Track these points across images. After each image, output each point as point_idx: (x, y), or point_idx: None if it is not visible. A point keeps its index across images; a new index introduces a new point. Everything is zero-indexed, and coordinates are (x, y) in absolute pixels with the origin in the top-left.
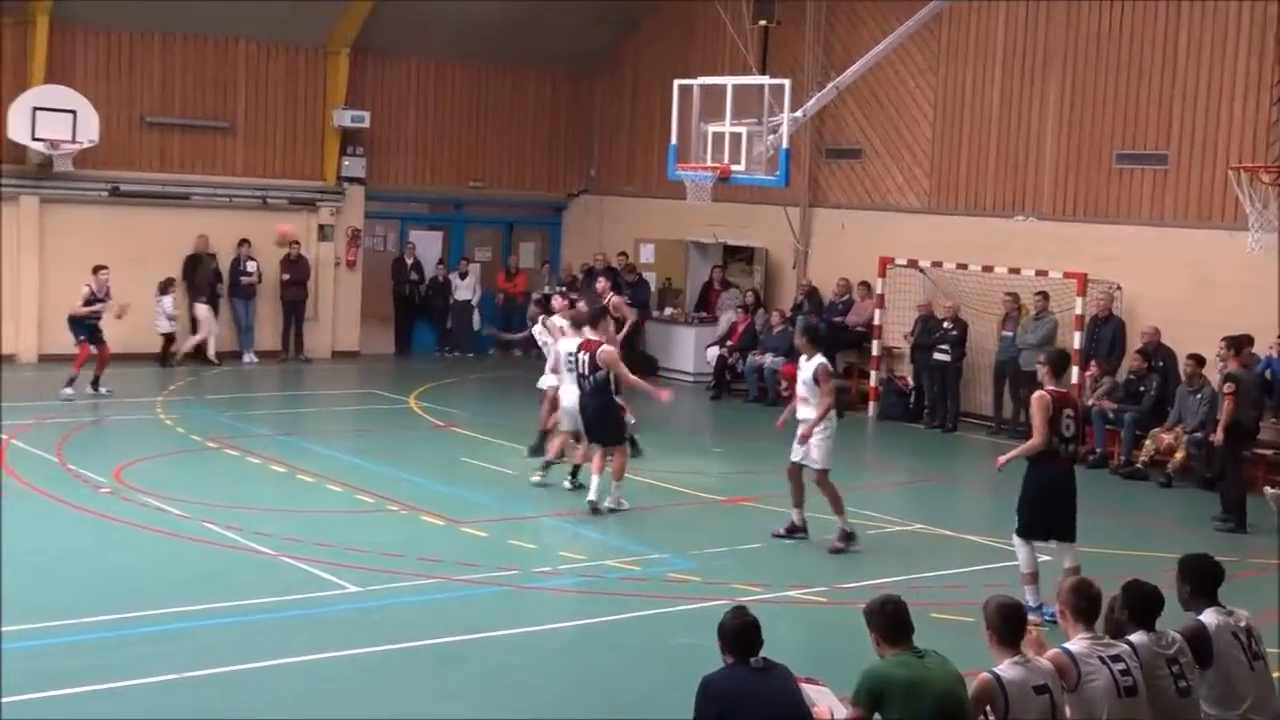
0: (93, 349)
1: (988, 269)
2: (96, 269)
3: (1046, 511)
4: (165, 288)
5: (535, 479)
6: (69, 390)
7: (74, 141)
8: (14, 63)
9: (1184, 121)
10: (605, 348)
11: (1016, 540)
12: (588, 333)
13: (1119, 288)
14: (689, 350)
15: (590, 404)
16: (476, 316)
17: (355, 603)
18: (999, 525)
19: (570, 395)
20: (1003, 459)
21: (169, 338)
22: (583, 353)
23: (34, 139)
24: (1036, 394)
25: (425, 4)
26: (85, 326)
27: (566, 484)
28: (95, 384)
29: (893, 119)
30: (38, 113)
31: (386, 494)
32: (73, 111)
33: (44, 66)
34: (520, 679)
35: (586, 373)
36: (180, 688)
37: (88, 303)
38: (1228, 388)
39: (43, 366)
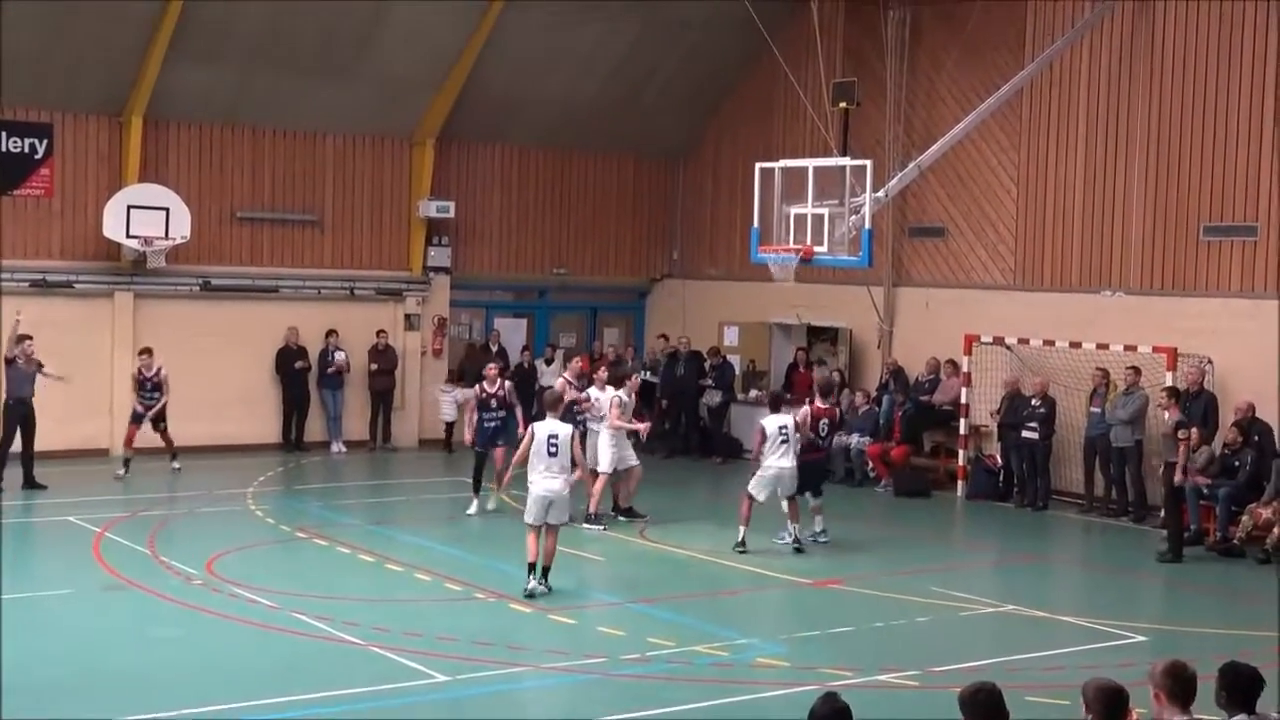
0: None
1: (1075, 345)
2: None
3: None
4: (453, 377)
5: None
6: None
7: (167, 238)
8: (109, 160)
9: (1272, 192)
10: None
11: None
12: None
13: (1210, 361)
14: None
15: None
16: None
17: (445, 692)
18: (1095, 605)
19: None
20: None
21: (450, 426)
22: None
23: (128, 236)
24: (803, 409)
25: (507, 93)
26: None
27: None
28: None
29: (975, 196)
30: (132, 211)
31: (474, 581)
32: (165, 209)
33: (138, 164)
34: None
35: None
36: None
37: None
38: None
39: (137, 459)
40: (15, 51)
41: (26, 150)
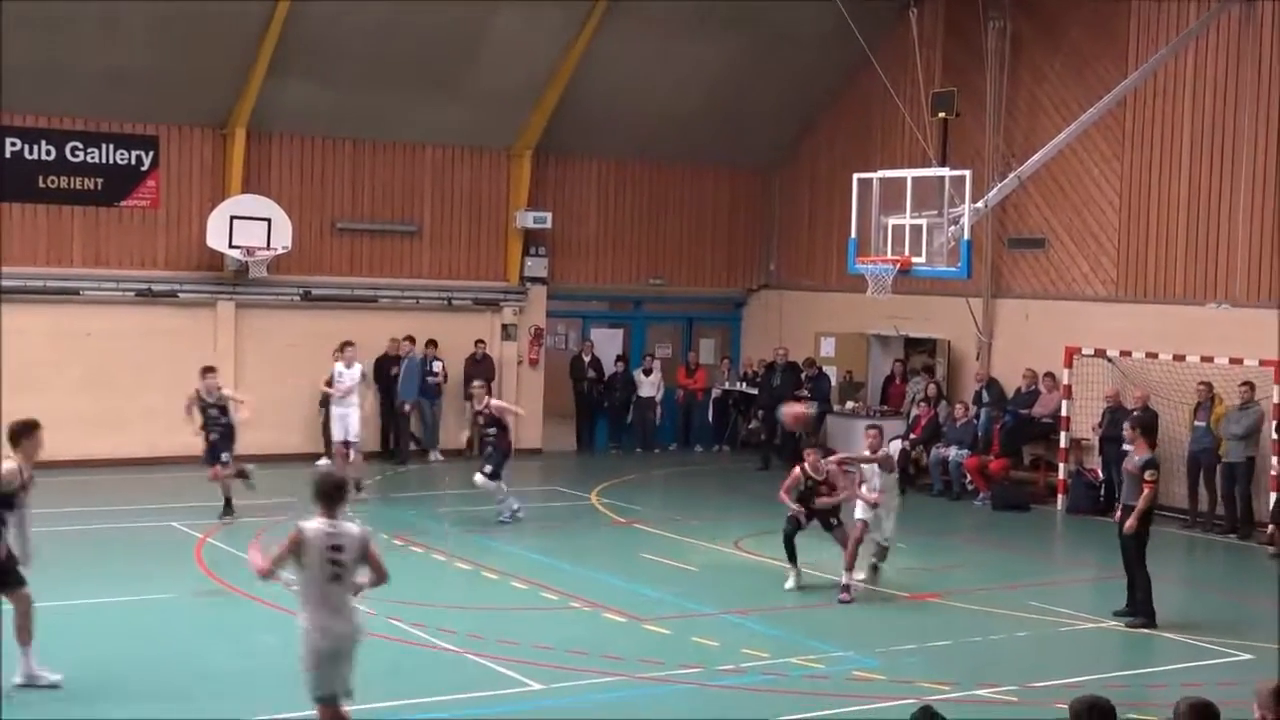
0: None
1: (1179, 358)
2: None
3: None
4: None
5: None
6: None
7: (269, 248)
8: (212, 172)
9: None
10: None
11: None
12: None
13: None
14: None
15: None
16: (659, 413)
17: (539, 700)
18: (1199, 622)
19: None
20: None
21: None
22: None
23: (231, 246)
24: None
25: (604, 105)
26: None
27: None
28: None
29: (1077, 207)
30: (235, 221)
31: (569, 590)
32: (267, 219)
33: (241, 176)
34: None
35: None
36: None
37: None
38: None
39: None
40: (122, 66)
41: (133, 162)
